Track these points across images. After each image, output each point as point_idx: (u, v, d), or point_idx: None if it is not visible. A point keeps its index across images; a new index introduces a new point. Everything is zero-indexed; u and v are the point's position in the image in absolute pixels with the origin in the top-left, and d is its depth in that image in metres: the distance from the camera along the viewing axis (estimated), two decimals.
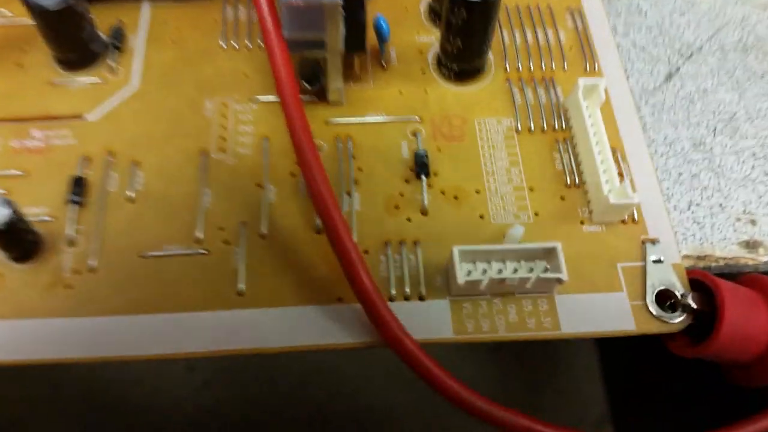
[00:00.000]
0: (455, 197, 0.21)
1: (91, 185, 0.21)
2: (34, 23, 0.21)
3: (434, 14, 0.24)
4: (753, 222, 0.22)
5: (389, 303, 0.19)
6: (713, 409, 0.26)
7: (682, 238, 0.22)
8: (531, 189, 0.21)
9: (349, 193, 0.21)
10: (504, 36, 0.24)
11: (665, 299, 0.20)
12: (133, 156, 0.21)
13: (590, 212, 0.21)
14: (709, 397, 0.26)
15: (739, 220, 0.22)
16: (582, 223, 0.21)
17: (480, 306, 0.19)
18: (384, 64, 0.24)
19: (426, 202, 0.21)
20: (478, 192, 0.21)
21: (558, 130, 0.23)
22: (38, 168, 0.21)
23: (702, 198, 0.22)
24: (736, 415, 0.19)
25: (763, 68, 0.25)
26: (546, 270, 0.19)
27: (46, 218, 0.20)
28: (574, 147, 0.22)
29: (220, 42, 0.24)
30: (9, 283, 0.19)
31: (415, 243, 0.20)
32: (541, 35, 0.25)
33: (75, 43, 0.22)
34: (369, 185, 0.21)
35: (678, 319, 0.19)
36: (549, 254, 0.19)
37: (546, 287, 0.19)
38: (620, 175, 0.22)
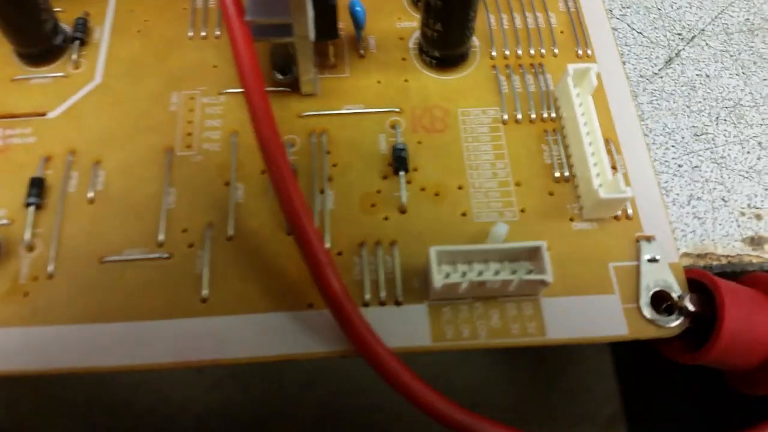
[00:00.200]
0: (436, 194, 0.20)
1: (50, 186, 0.20)
2: None
3: None
4: (758, 217, 0.20)
5: (363, 309, 0.18)
6: (729, 407, 0.25)
7: (681, 235, 0.20)
8: (517, 184, 0.20)
9: (322, 191, 0.20)
10: (490, 19, 0.23)
11: (661, 301, 0.18)
12: (95, 154, 0.20)
13: (580, 208, 0.20)
14: (725, 395, 0.25)
15: (743, 214, 0.21)
16: (572, 220, 0.20)
17: (460, 311, 0.18)
18: (362, 51, 0.22)
19: (404, 199, 0.20)
20: (460, 188, 0.20)
21: (547, 120, 0.21)
22: None
23: (703, 191, 0.21)
24: (752, 413, 0.18)
25: None
26: (530, 271, 0.18)
27: (4, 221, 0.19)
28: (564, 138, 0.21)
29: (188, 31, 0.23)
30: None
31: (392, 244, 0.19)
32: (530, 18, 0.23)
33: (36, 36, 0.21)
34: (344, 182, 0.20)
35: (674, 323, 0.18)
36: (533, 254, 0.18)
37: (531, 290, 0.18)
38: (614, 167, 0.20)
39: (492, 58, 0.22)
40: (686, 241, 0.20)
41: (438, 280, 0.17)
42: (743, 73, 0.23)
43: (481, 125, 0.21)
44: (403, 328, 0.18)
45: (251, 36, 0.18)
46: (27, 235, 0.19)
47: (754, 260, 0.20)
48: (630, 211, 0.20)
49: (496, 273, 0.18)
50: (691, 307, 0.18)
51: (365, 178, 0.20)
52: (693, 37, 0.24)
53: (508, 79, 0.22)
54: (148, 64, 0.22)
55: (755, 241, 0.20)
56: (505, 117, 0.21)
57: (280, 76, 0.21)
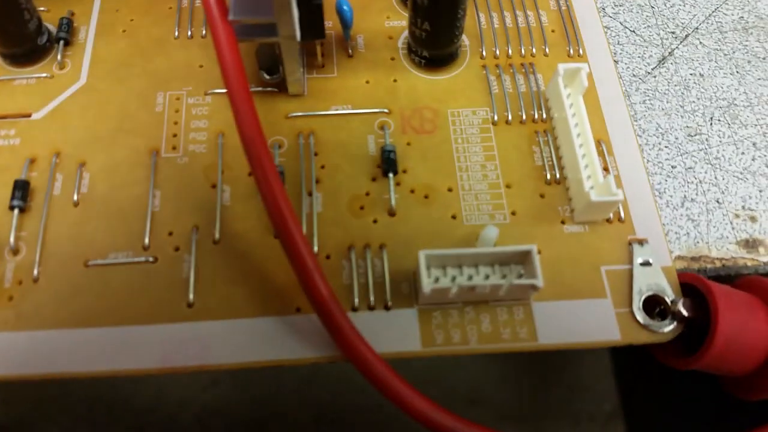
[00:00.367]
0: (425, 196, 0.20)
1: (34, 189, 0.20)
2: None
3: None
4: (753, 219, 0.20)
5: (352, 313, 0.18)
6: (729, 403, 0.24)
7: (674, 238, 0.20)
8: (508, 186, 0.20)
9: (310, 193, 0.20)
10: (480, 18, 0.23)
11: (654, 306, 0.18)
12: (80, 156, 0.20)
13: (572, 211, 0.19)
14: (724, 392, 0.24)
15: (737, 216, 0.20)
16: (563, 222, 0.19)
17: (450, 315, 0.18)
18: (350, 51, 0.22)
19: (393, 201, 0.19)
20: (450, 190, 0.20)
21: (538, 121, 0.21)
22: None
23: (697, 193, 0.21)
24: (752, 410, 0.18)
25: (766, 50, 0.23)
26: (520, 276, 0.17)
27: None
28: (555, 139, 0.20)
29: (174, 31, 0.22)
30: None
31: (381, 247, 0.19)
32: (520, 17, 0.23)
33: (19, 36, 0.21)
34: (332, 184, 0.20)
35: (668, 327, 0.18)
36: (524, 258, 0.17)
37: (521, 294, 0.18)
38: (606, 169, 0.20)
39: (482, 57, 0.22)
40: (680, 244, 0.20)
41: (427, 284, 0.17)
42: (737, 72, 0.23)
43: (471, 126, 0.21)
44: (392, 333, 0.18)
45: (235, 36, 0.17)
46: (11, 239, 0.19)
47: (749, 263, 0.20)
48: (622, 214, 0.19)
49: (487, 277, 0.17)
50: (684, 312, 0.18)
51: (354, 180, 0.20)
52: (687, 36, 0.24)
53: (498, 79, 0.22)
54: (133, 65, 0.22)
55: (750, 244, 0.20)
56: (496, 118, 0.21)
57: (266, 76, 0.21)
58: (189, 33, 0.22)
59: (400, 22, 0.23)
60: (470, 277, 0.17)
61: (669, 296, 0.18)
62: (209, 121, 0.21)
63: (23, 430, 0.33)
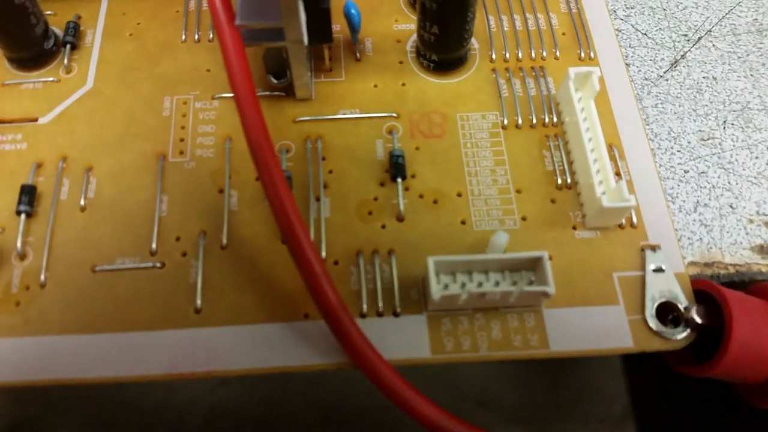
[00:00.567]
0: (434, 201, 0.19)
1: (41, 193, 0.19)
2: None
3: None
4: (767, 224, 0.20)
5: (360, 320, 0.18)
6: (740, 406, 0.24)
7: (687, 243, 0.20)
8: (518, 191, 0.20)
9: (318, 198, 0.19)
10: (490, 21, 0.23)
11: (667, 313, 0.18)
12: (86, 161, 0.20)
13: (583, 216, 0.19)
14: (735, 394, 0.24)
15: (751, 222, 0.20)
16: (574, 228, 0.19)
17: (460, 322, 0.18)
18: (358, 55, 0.22)
19: (402, 207, 0.19)
20: (459, 195, 0.19)
21: (549, 126, 0.21)
22: None
23: (710, 198, 0.20)
24: (763, 412, 0.18)
25: None
26: (531, 282, 0.17)
27: None
28: (566, 144, 0.20)
29: (181, 35, 0.22)
30: None
31: (390, 252, 0.19)
32: (531, 20, 0.23)
33: (26, 40, 0.21)
34: (340, 189, 0.20)
35: (681, 335, 0.17)
36: (535, 264, 0.17)
37: (532, 301, 0.18)
38: (617, 174, 0.20)
39: (492, 61, 0.22)
40: (693, 250, 0.20)
41: (436, 291, 0.17)
42: (751, 75, 0.23)
43: (481, 130, 0.21)
44: (401, 339, 0.18)
45: (242, 40, 0.17)
46: (18, 244, 0.19)
47: (763, 269, 0.19)
48: (635, 219, 0.19)
49: (497, 284, 0.17)
50: (698, 319, 0.17)
51: (362, 185, 0.20)
52: (699, 39, 0.23)
53: (508, 83, 0.21)
54: (140, 68, 0.22)
55: (764, 250, 0.20)
56: (506, 122, 0.21)
57: (274, 81, 0.21)
58: (196, 37, 0.22)
59: (408, 25, 0.22)
60: (480, 284, 0.17)
61: (682, 303, 0.18)
62: (216, 125, 0.21)
63: (33, 430, 0.33)
